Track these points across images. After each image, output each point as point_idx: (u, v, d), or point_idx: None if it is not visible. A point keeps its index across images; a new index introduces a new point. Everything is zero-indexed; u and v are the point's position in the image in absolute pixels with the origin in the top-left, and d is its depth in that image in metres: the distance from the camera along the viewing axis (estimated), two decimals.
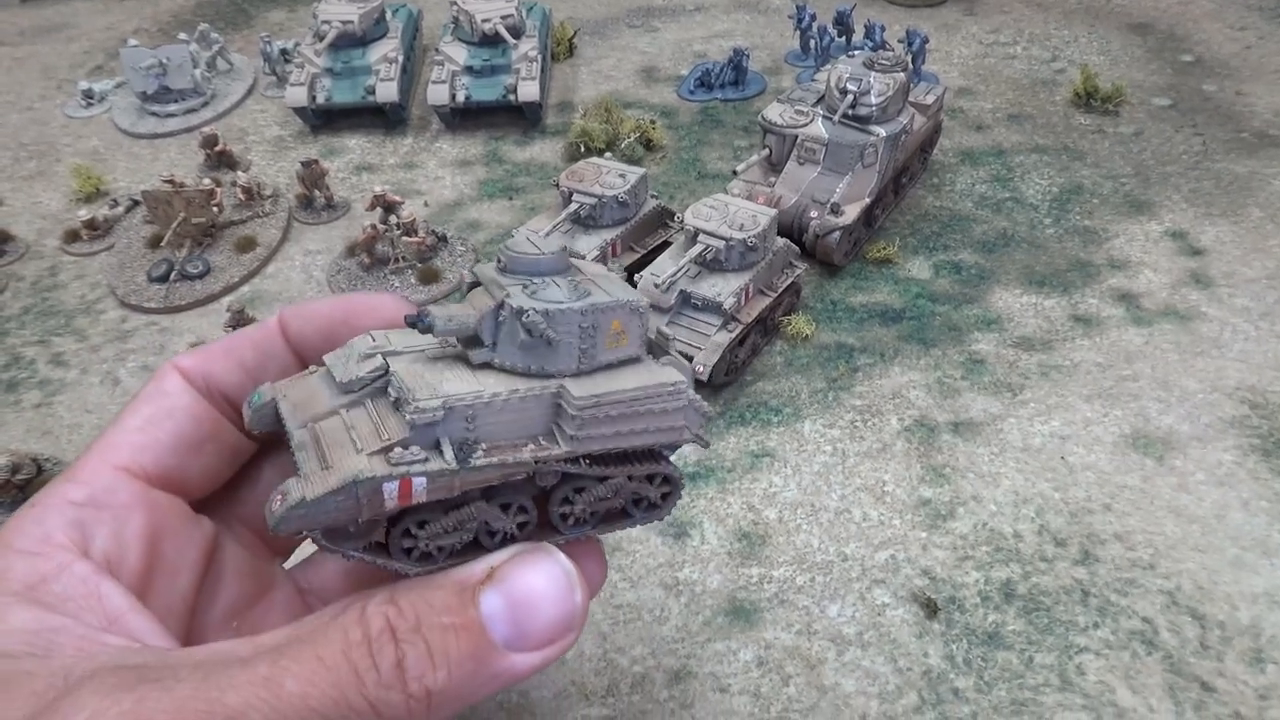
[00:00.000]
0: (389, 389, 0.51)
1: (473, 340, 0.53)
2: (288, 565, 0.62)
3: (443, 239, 1.55)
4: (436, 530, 0.51)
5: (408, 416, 0.48)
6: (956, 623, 0.97)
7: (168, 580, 0.52)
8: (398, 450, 0.48)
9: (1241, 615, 0.97)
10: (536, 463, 0.52)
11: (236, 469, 0.59)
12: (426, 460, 0.48)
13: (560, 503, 0.55)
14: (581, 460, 0.54)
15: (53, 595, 0.46)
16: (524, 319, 0.51)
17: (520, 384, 0.52)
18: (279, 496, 0.47)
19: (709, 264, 1.28)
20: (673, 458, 0.61)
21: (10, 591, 0.45)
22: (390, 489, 0.48)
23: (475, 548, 0.54)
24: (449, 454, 0.49)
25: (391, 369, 0.51)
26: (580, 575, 0.51)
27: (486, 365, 0.53)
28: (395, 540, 0.51)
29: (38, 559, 0.47)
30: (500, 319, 0.52)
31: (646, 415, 0.55)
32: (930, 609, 0.98)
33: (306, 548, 0.61)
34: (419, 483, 0.48)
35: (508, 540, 0.54)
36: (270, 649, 0.44)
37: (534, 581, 0.49)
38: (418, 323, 0.50)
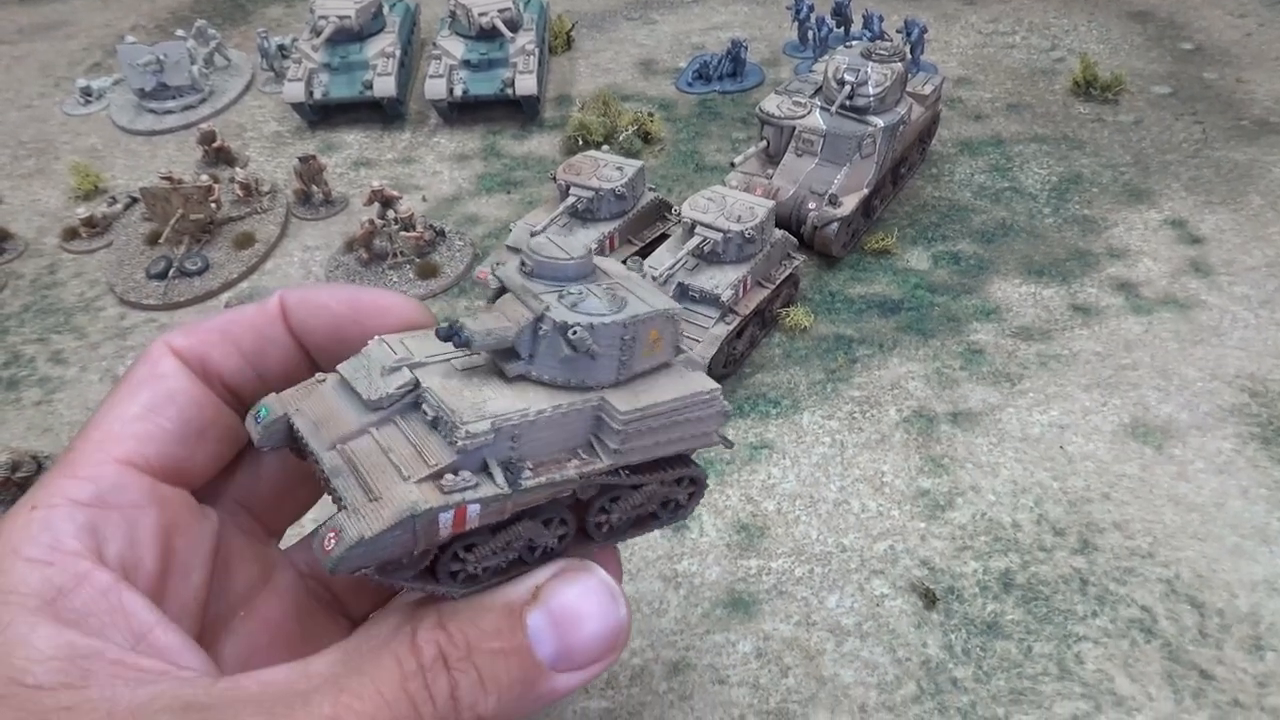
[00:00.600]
0: (423, 406, 0.50)
1: (508, 352, 0.51)
2: (283, 546, 0.61)
3: (441, 234, 1.55)
4: (484, 553, 0.50)
5: (459, 442, 0.47)
6: (955, 613, 0.97)
7: (182, 580, 0.51)
8: (448, 477, 0.46)
9: (1240, 603, 0.97)
10: (581, 478, 0.51)
11: (235, 454, 0.57)
12: (478, 486, 0.47)
13: (598, 513, 0.55)
14: (621, 471, 0.54)
15: (74, 611, 0.43)
16: (571, 334, 0.49)
17: (561, 398, 0.51)
18: (332, 535, 0.45)
19: (707, 256, 1.27)
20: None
21: (28, 608, 0.42)
22: (445, 519, 0.46)
23: (517, 564, 0.53)
24: (499, 477, 0.48)
25: (424, 385, 0.50)
26: (608, 579, 0.50)
27: (522, 378, 0.51)
28: (444, 565, 0.50)
29: (50, 569, 0.44)
30: (540, 332, 0.50)
31: (684, 424, 0.55)
32: (929, 599, 0.98)
33: (302, 528, 0.60)
34: (473, 510, 0.47)
35: (548, 554, 0.53)
36: (327, 679, 0.43)
37: (578, 600, 0.49)
38: (453, 337, 0.48)
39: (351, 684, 0.42)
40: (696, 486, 0.60)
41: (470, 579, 0.51)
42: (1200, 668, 0.91)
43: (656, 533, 1.06)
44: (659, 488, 0.57)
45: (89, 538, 0.45)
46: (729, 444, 0.60)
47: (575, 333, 0.49)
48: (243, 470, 0.59)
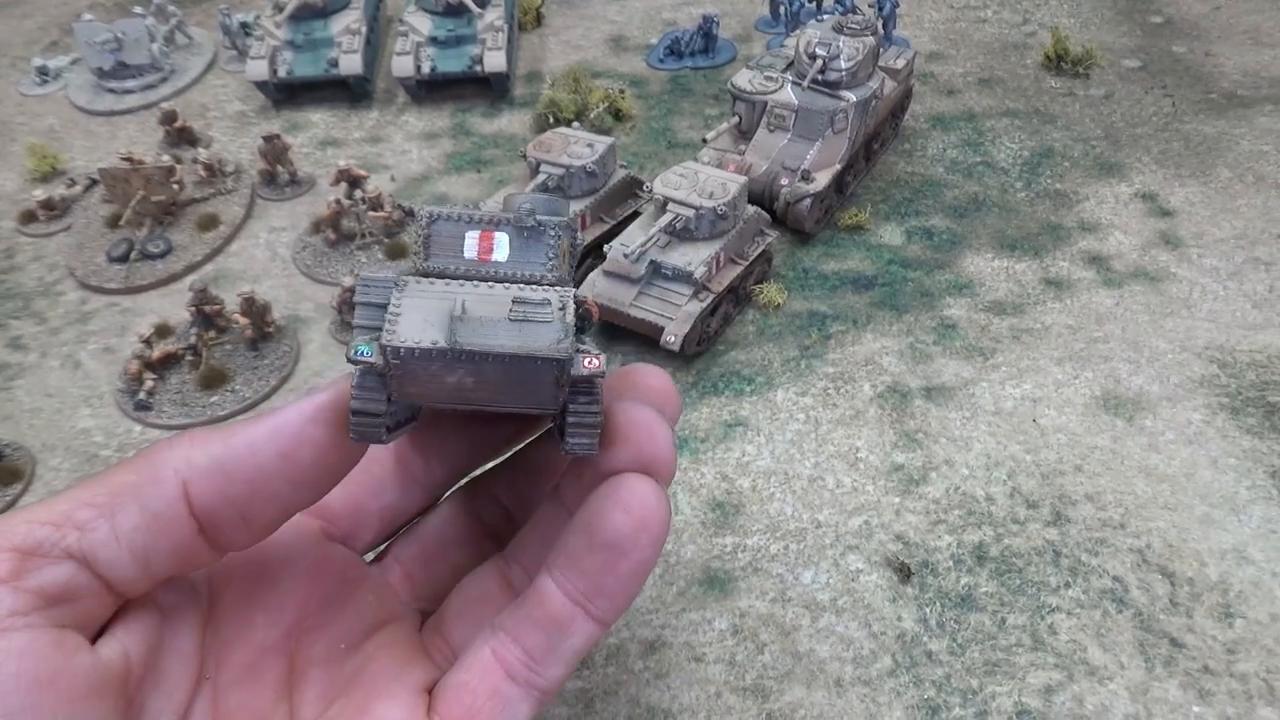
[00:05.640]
0: None
1: None
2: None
3: (410, 213, 1.52)
4: None
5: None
6: (929, 586, 0.97)
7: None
8: None
9: (1210, 571, 0.98)
10: None
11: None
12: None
13: None
14: None
15: None
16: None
17: None
18: None
19: (679, 233, 1.26)
20: None
21: None
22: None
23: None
24: None
25: None
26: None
27: None
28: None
29: None
30: None
31: None
32: (903, 573, 0.98)
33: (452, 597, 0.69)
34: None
35: None
36: None
37: None
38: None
39: None
40: None
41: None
42: (1171, 636, 0.92)
43: None
44: None
45: None
46: (351, 351, 0.53)
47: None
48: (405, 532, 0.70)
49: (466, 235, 0.56)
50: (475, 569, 0.70)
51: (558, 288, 0.56)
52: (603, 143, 1.38)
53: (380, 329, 0.52)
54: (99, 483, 0.50)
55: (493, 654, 0.59)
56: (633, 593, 0.60)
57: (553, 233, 0.57)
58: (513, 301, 0.53)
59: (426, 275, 0.56)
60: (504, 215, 0.57)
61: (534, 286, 0.56)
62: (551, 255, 0.57)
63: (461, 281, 0.56)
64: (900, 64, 1.59)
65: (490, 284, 0.56)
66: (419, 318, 0.52)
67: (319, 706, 0.59)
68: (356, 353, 0.51)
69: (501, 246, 0.56)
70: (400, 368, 0.51)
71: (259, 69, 1.80)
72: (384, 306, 0.53)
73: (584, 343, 0.56)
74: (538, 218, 0.57)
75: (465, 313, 0.52)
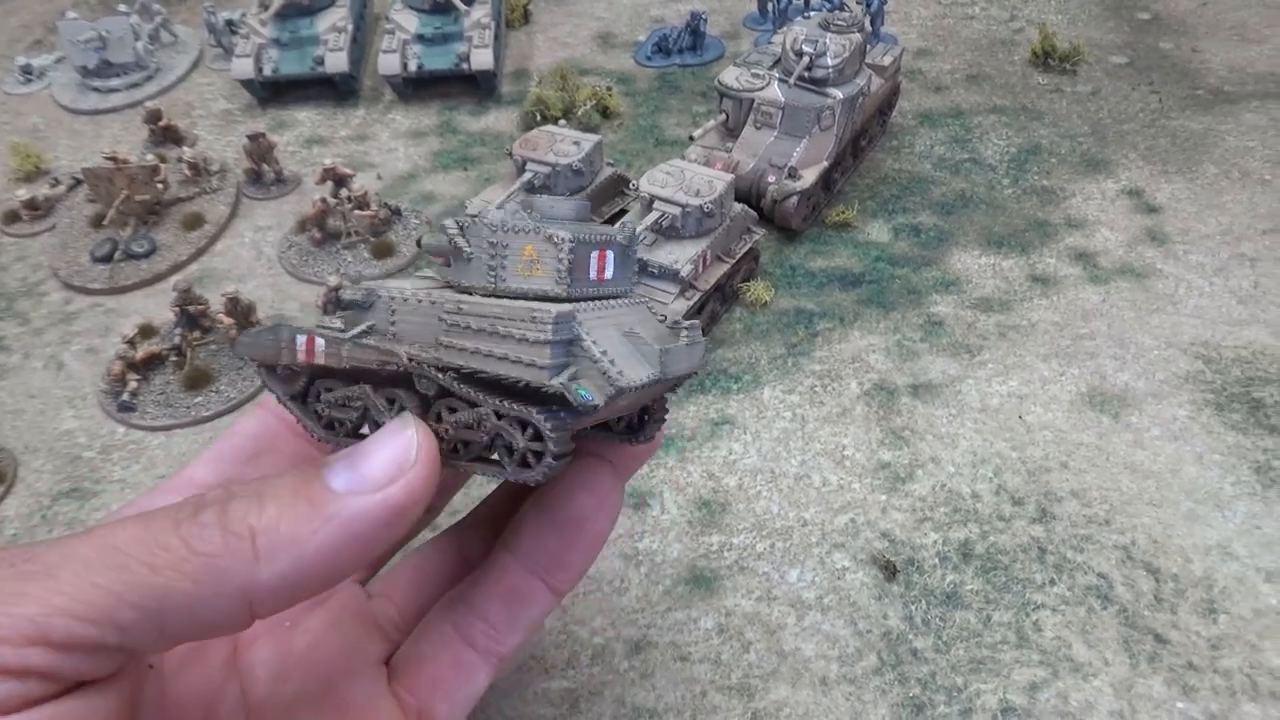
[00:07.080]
0: None
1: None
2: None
3: (396, 212, 1.52)
4: (333, 399, 0.58)
5: (344, 296, 0.55)
6: (915, 584, 0.97)
7: None
8: (326, 318, 0.57)
9: (1195, 567, 0.98)
10: (410, 360, 0.53)
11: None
12: (340, 330, 0.56)
13: (435, 418, 0.55)
14: (449, 373, 0.53)
15: None
16: (444, 226, 0.55)
17: (438, 294, 0.55)
18: None
19: (665, 231, 1.26)
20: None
21: None
22: (300, 341, 0.56)
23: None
24: (354, 330, 0.55)
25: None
26: (420, 427, 0.51)
27: (448, 285, 0.57)
28: (310, 400, 0.59)
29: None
30: None
31: (507, 340, 0.51)
32: (889, 571, 0.98)
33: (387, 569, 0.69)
34: (320, 343, 0.56)
35: None
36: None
37: (372, 438, 0.51)
38: (419, 242, 0.60)
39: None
40: (542, 444, 0.52)
41: (328, 425, 0.58)
42: (1155, 632, 0.92)
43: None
44: (494, 419, 0.53)
45: None
46: (573, 397, 0.50)
47: (446, 223, 0.55)
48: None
49: (592, 257, 0.56)
50: (428, 541, 0.71)
51: (636, 299, 0.59)
52: (589, 140, 1.38)
53: (566, 365, 0.51)
54: (138, 574, 0.44)
55: (453, 627, 0.62)
56: (587, 567, 0.65)
57: (635, 248, 0.60)
58: (684, 328, 0.56)
59: (569, 300, 0.54)
60: (606, 234, 0.57)
61: (621, 300, 0.58)
62: (635, 270, 0.60)
63: (592, 303, 0.56)
64: (888, 61, 1.59)
65: (606, 302, 0.57)
66: (617, 351, 0.52)
67: (272, 684, 0.59)
68: (582, 397, 0.49)
69: (610, 265, 0.57)
70: (609, 403, 0.50)
71: (244, 67, 1.79)
72: (571, 342, 0.51)
73: None
74: (629, 235, 0.58)
75: (647, 340, 0.53)
